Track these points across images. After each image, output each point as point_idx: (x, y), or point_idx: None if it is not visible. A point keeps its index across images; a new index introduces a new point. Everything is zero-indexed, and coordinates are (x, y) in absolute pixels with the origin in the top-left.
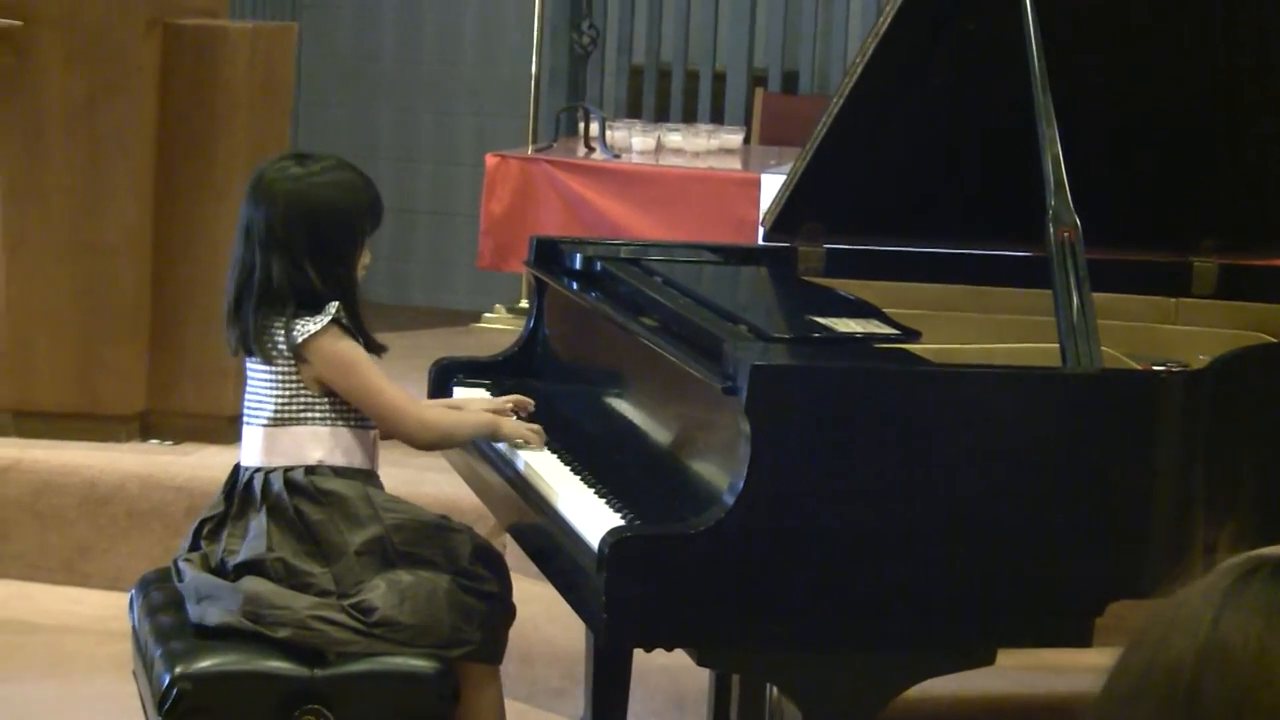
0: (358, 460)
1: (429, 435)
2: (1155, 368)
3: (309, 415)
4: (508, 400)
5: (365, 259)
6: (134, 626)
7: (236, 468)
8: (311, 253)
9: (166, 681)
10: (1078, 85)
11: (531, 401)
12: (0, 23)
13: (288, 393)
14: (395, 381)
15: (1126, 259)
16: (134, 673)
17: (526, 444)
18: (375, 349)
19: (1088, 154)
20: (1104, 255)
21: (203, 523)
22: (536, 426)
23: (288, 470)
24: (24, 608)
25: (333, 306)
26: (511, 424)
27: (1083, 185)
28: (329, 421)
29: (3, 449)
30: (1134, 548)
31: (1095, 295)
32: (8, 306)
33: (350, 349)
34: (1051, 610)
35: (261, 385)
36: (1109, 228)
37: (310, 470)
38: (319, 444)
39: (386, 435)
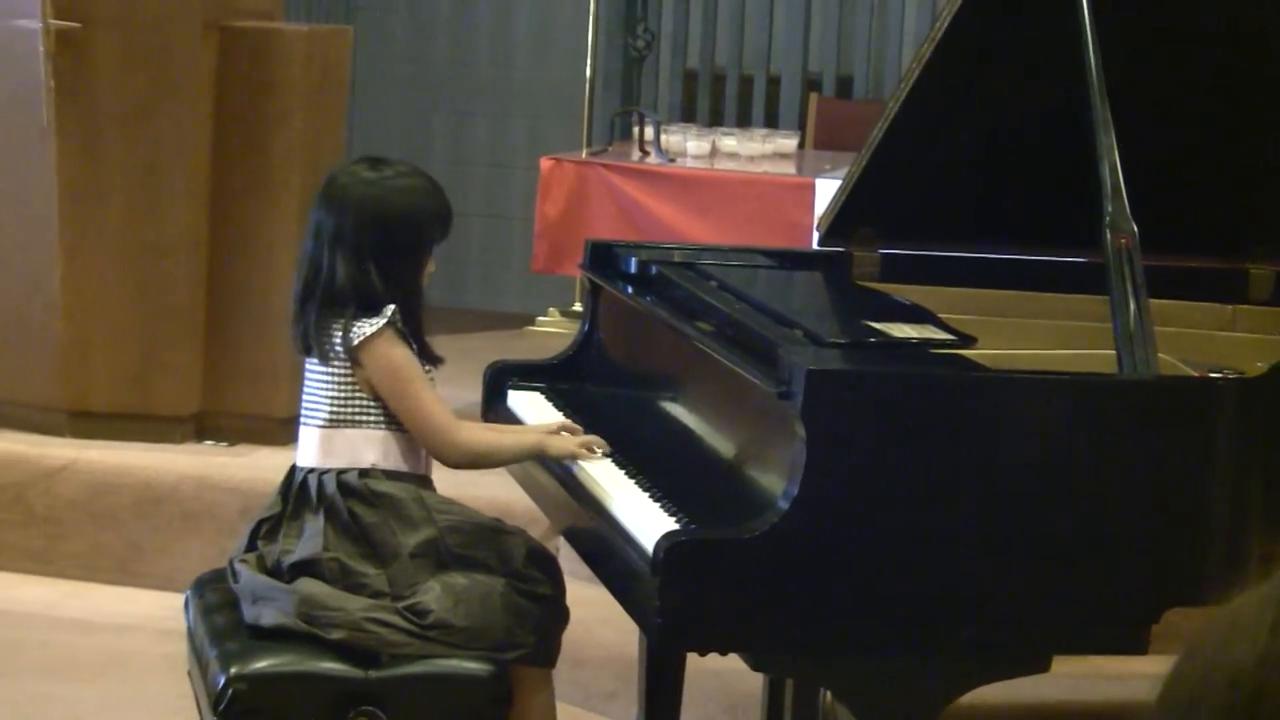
0: (411, 464)
1: (458, 457)
2: (1211, 374)
3: (364, 418)
4: (555, 425)
5: (430, 267)
6: (189, 627)
7: (293, 468)
8: (378, 257)
9: (222, 682)
10: (1128, 91)
11: (580, 430)
12: (59, 25)
13: (343, 395)
14: (441, 396)
15: (1183, 265)
16: (189, 673)
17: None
18: (433, 359)
19: (1141, 159)
20: (1160, 261)
21: (260, 523)
22: (592, 439)
23: (341, 472)
24: (79, 608)
25: (389, 310)
26: (560, 442)
27: (1137, 191)
28: (383, 425)
29: (59, 449)
30: (1190, 555)
31: (1151, 301)
32: (64, 307)
33: (401, 355)
34: (1107, 617)
35: (318, 386)
36: (1164, 234)
37: (364, 473)
38: (373, 447)
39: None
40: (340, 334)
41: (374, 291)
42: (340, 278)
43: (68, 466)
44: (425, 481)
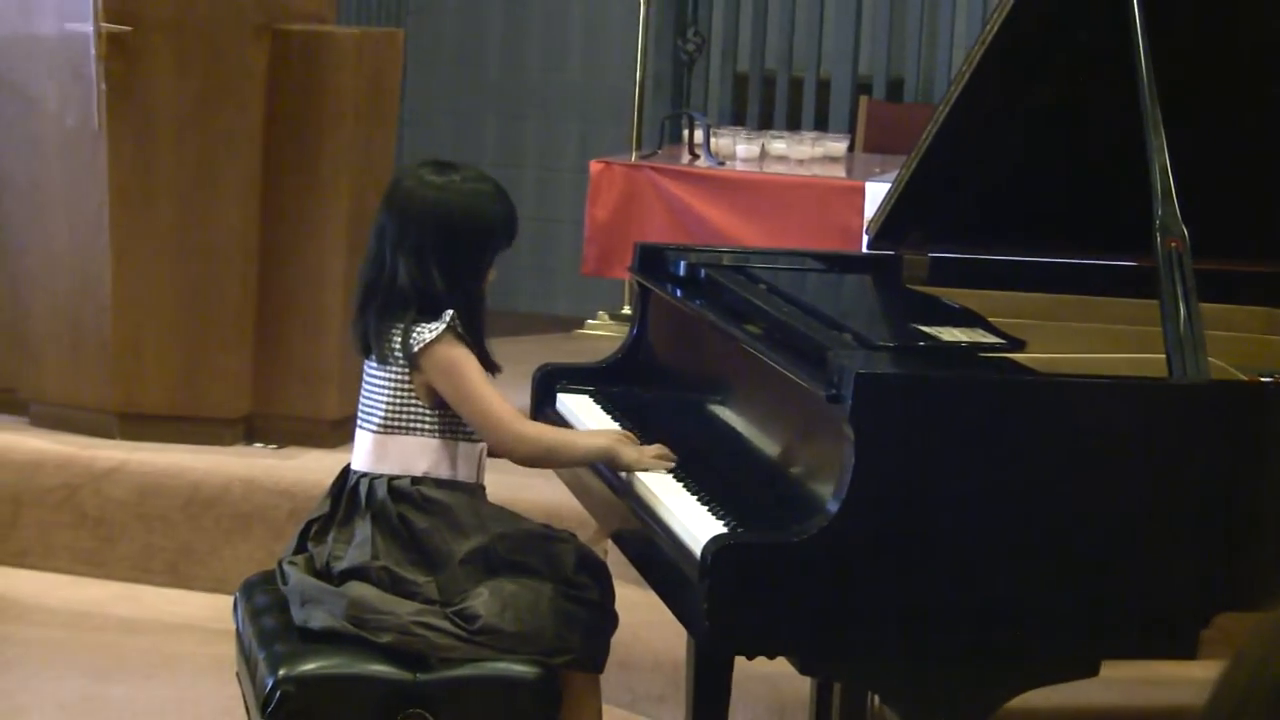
0: (464, 473)
1: (525, 450)
2: (1262, 379)
3: (418, 425)
4: (620, 433)
5: (491, 275)
6: (238, 629)
7: (346, 468)
8: (440, 260)
9: (270, 684)
10: (1179, 93)
11: (637, 440)
12: (111, 28)
13: (398, 401)
14: (502, 393)
15: (1234, 269)
16: (237, 674)
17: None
18: (490, 367)
19: (1192, 162)
20: (1211, 265)
21: (309, 524)
22: (662, 450)
23: (393, 479)
24: (129, 609)
25: (448, 315)
26: (632, 452)
27: (1189, 194)
28: (437, 433)
29: (109, 451)
30: (1240, 560)
31: (1202, 305)
32: (115, 309)
33: (461, 355)
34: (1156, 622)
35: (375, 390)
36: (1216, 237)
37: (416, 481)
38: (426, 455)
39: (493, 453)
40: (400, 338)
41: (435, 295)
42: (401, 280)
43: (118, 468)
44: (478, 490)
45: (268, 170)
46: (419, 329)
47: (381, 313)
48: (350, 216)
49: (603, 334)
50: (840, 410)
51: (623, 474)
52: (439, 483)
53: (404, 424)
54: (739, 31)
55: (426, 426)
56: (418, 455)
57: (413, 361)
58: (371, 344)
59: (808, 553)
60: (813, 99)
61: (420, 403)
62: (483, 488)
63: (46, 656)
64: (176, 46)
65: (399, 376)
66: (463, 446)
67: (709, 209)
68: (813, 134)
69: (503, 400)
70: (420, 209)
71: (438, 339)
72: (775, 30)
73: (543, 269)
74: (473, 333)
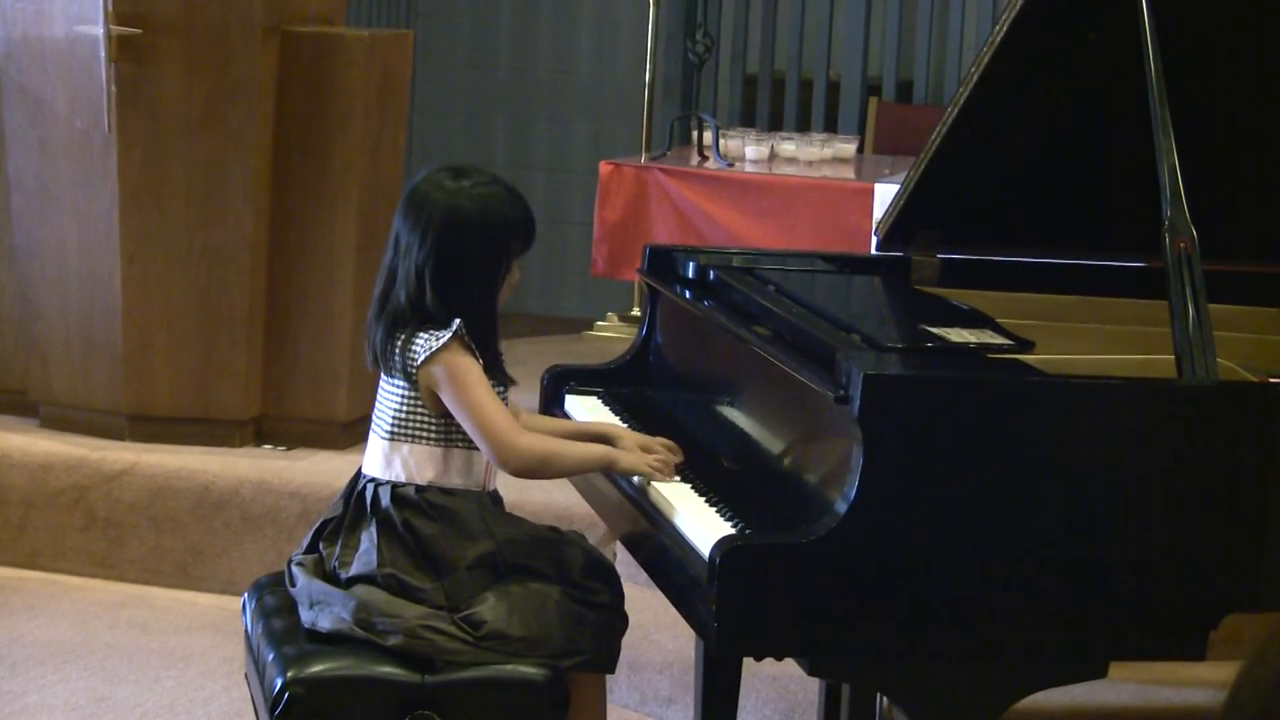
0: (469, 481)
1: (517, 462)
2: (1271, 379)
3: (424, 434)
4: (622, 432)
5: (514, 278)
6: (247, 630)
7: (359, 472)
8: (453, 266)
9: (279, 685)
10: (1189, 94)
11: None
12: (120, 30)
13: (405, 409)
14: (512, 395)
15: (1243, 270)
16: (246, 676)
17: (652, 478)
18: (504, 379)
19: (1201, 162)
20: (1220, 266)
21: (323, 524)
22: (666, 443)
23: (398, 486)
24: (140, 611)
25: (455, 323)
26: (629, 459)
27: (1199, 195)
28: (443, 442)
29: (119, 453)
30: (1250, 561)
31: (1211, 306)
32: (125, 312)
33: (465, 363)
34: (1165, 623)
35: (385, 396)
36: (1224, 238)
37: (420, 489)
38: (431, 464)
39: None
40: (400, 351)
41: (444, 302)
42: (412, 288)
43: (128, 470)
44: (485, 497)
45: (277, 172)
46: (424, 337)
47: (391, 322)
48: (359, 218)
49: (612, 335)
50: (848, 411)
51: (634, 477)
52: (445, 490)
53: (411, 432)
54: (748, 33)
55: (433, 435)
56: (424, 463)
57: (417, 370)
58: (379, 356)
59: (816, 554)
60: (822, 100)
61: (425, 411)
62: (493, 494)
63: (56, 657)
64: (186, 48)
65: (406, 385)
66: (470, 455)
67: (718, 210)
68: (822, 135)
69: (503, 411)
70: (430, 215)
71: (444, 346)
72: (785, 32)
73: (552, 270)
74: (482, 341)
